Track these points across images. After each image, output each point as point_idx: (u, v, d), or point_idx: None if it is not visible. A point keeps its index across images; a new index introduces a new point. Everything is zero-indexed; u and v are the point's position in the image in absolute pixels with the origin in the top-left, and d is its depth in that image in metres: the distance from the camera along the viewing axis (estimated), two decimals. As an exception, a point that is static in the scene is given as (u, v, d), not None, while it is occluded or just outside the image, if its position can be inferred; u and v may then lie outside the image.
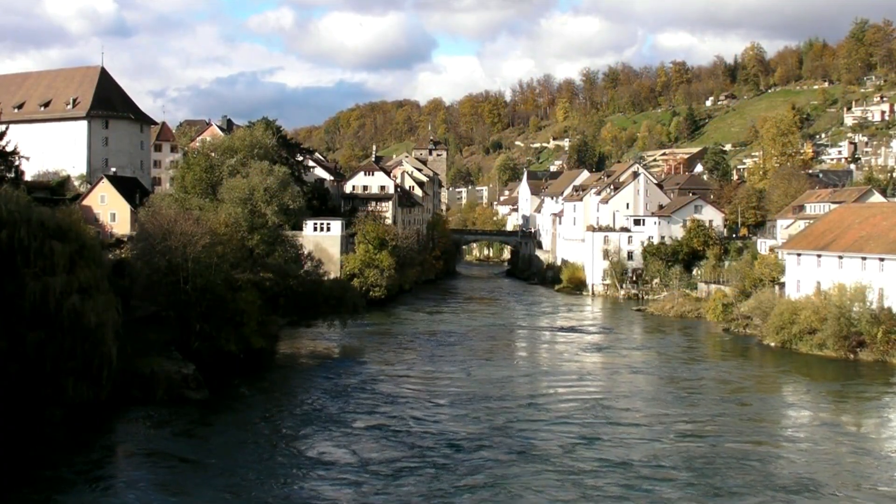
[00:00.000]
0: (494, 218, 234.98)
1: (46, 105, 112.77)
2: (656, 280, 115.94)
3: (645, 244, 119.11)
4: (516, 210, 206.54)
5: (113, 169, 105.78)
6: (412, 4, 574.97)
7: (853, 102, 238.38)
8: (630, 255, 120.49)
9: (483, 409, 49.33)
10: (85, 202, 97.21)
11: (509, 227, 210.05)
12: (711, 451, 41.37)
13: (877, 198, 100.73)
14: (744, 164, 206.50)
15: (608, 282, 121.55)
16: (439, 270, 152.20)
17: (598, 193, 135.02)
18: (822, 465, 40.12)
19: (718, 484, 36.43)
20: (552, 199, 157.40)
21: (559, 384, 57.82)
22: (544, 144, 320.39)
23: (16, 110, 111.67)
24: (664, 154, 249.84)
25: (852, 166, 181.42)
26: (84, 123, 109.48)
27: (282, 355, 66.73)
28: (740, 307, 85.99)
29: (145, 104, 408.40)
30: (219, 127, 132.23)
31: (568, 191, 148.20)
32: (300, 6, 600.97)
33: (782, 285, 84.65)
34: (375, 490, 35.17)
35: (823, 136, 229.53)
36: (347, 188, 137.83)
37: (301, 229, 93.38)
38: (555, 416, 47.81)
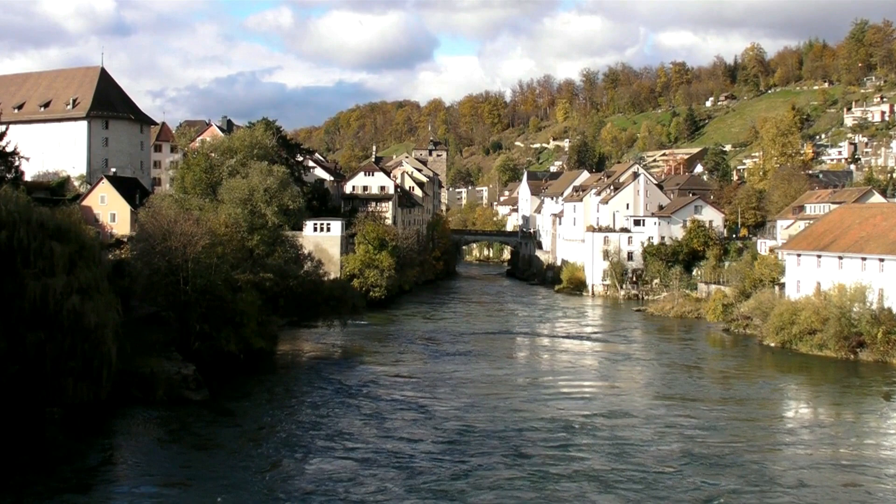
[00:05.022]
0: (494, 218, 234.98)
1: (46, 105, 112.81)
2: (656, 280, 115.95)
3: (645, 245, 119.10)
4: (516, 210, 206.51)
5: (113, 169, 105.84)
6: (413, 3, 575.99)
7: (853, 103, 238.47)
8: (630, 256, 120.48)
9: (486, 422, 46.79)
10: (85, 203, 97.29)
11: (509, 228, 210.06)
12: (713, 455, 41.05)
13: (877, 198, 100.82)
14: (744, 164, 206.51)
15: (608, 282, 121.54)
16: (439, 271, 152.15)
17: (598, 194, 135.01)
18: (823, 467, 40.02)
19: (721, 488, 36.26)
20: (552, 199, 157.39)
21: (561, 395, 55.33)
22: (544, 145, 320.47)
23: (16, 111, 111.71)
24: (664, 154, 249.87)
25: (852, 167, 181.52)
26: (84, 124, 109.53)
27: (282, 356, 66.66)
28: (740, 308, 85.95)
29: (144, 104, 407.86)
30: (218, 127, 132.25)
31: (568, 191, 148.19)
32: (299, 5, 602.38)
33: (782, 286, 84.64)
34: (372, 498, 34.88)
35: (823, 136, 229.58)
36: (347, 188, 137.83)
37: (301, 230, 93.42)
38: (560, 435, 44.29)
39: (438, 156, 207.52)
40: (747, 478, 37.51)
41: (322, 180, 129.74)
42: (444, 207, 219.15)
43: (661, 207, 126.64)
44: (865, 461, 41.10)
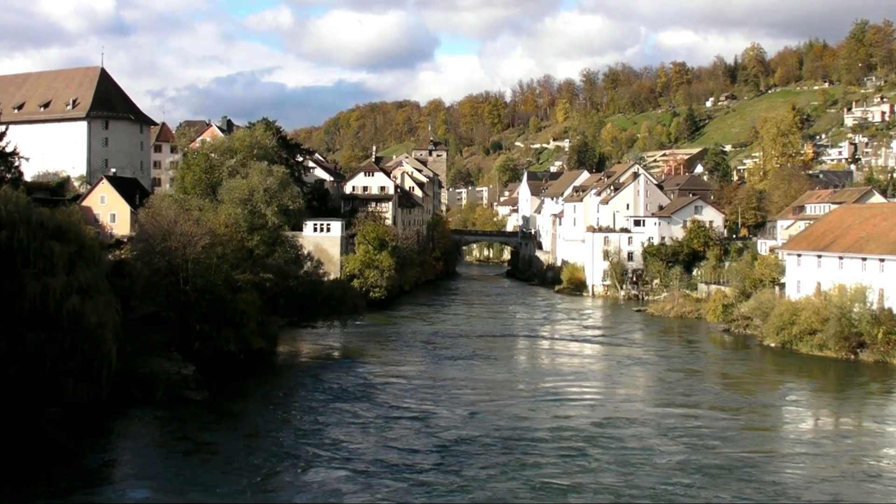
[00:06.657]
0: (494, 219, 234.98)
1: (46, 106, 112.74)
2: (656, 281, 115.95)
3: (645, 245, 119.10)
4: (516, 211, 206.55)
5: (113, 170, 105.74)
6: (414, 2, 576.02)
7: (853, 103, 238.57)
8: (630, 256, 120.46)
9: (487, 429, 45.60)
10: (85, 203, 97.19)
11: (509, 228, 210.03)
12: (723, 464, 40.22)
13: (877, 198, 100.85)
14: (744, 164, 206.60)
15: (608, 282, 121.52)
16: (439, 271, 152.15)
17: (599, 194, 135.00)
18: (824, 468, 39.83)
19: (722, 491, 35.99)
20: (552, 199, 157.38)
21: (564, 400, 54.21)
22: (544, 145, 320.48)
23: (16, 111, 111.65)
24: (664, 155, 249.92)
25: (852, 167, 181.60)
26: (84, 124, 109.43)
27: (281, 356, 66.63)
28: (740, 308, 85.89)
29: (144, 104, 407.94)
30: (218, 127, 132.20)
31: (568, 191, 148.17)
32: (299, 5, 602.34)
33: (782, 286, 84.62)
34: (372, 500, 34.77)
35: (824, 136, 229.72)
36: (347, 189, 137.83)
37: (301, 230, 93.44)
38: (564, 443, 42.78)
39: (438, 156, 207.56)
40: (764, 490, 36.37)
41: (322, 180, 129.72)
42: (444, 207, 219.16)
43: (661, 208, 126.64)
44: (878, 468, 40.78)
